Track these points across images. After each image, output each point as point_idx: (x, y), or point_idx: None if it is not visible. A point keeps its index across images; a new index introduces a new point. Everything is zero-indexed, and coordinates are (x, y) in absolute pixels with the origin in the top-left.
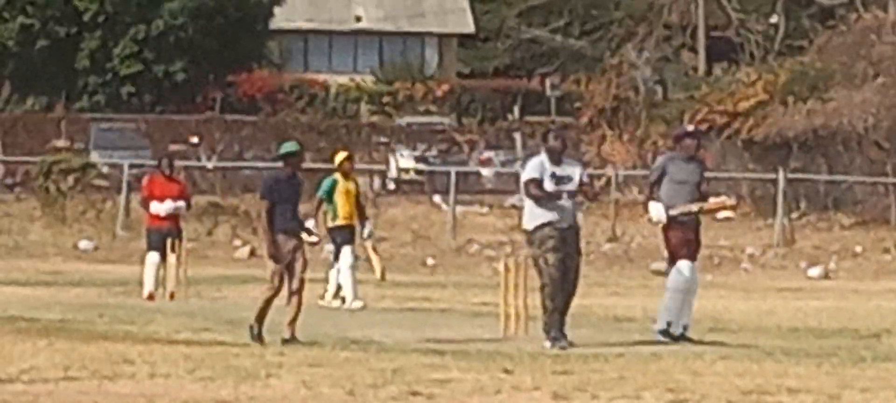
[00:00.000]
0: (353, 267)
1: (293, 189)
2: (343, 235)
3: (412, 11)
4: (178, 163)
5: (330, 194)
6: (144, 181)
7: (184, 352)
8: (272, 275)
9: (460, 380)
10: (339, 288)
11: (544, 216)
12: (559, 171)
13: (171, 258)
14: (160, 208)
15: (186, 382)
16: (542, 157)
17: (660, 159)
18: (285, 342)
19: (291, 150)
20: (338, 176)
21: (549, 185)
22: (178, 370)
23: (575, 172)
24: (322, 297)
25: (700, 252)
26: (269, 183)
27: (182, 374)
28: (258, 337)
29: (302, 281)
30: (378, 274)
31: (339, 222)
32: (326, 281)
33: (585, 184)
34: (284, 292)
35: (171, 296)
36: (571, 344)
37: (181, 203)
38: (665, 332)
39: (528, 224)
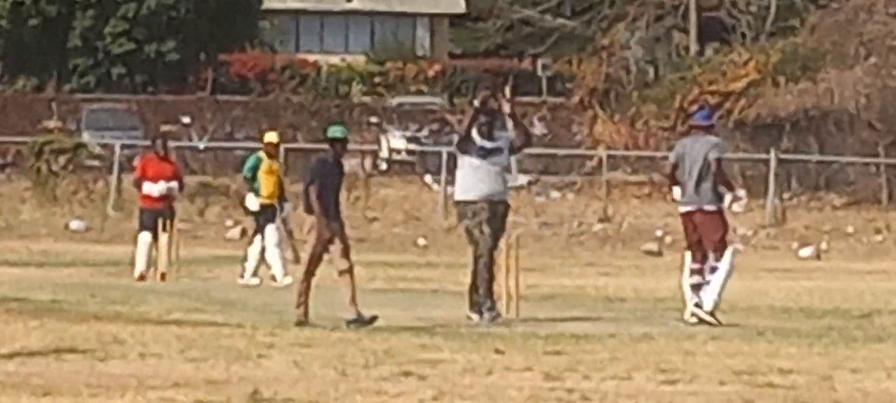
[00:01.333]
0: (279, 245)
1: (337, 173)
2: (266, 214)
3: None
4: (170, 143)
5: (254, 172)
6: (138, 161)
7: (175, 333)
8: (311, 258)
9: (452, 360)
10: (258, 265)
11: (476, 189)
12: (488, 144)
13: (163, 238)
14: (153, 189)
15: (178, 362)
16: (473, 131)
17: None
18: (351, 323)
19: (339, 135)
20: (262, 154)
21: (476, 161)
22: (169, 350)
23: (504, 141)
24: (241, 276)
25: None
26: (317, 166)
27: (173, 354)
28: (304, 321)
29: (350, 262)
30: (292, 257)
31: (262, 201)
32: (244, 259)
33: (514, 141)
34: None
35: (163, 277)
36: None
37: (174, 184)
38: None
39: (461, 195)
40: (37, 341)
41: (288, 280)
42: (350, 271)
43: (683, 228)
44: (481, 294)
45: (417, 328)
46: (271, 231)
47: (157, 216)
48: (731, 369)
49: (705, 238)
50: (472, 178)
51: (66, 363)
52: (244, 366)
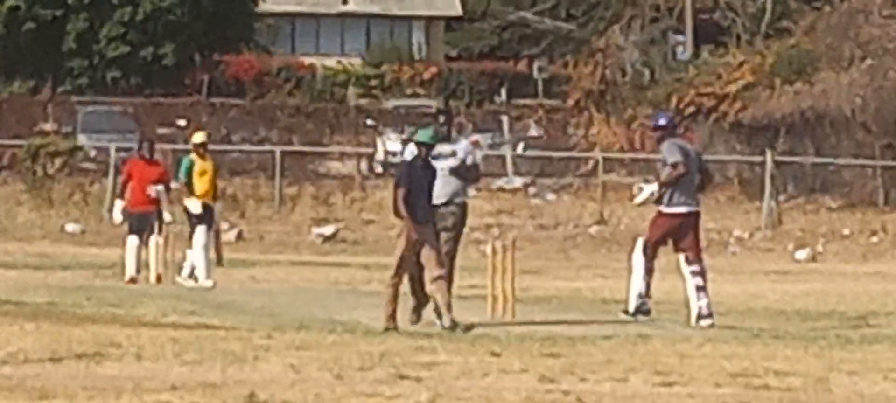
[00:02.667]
0: (206, 247)
1: (428, 176)
2: (199, 214)
3: None
4: (166, 146)
5: (189, 174)
6: (124, 164)
7: (171, 335)
8: (401, 262)
9: (448, 363)
10: (193, 267)
11: None
12: (439, 149)
13: (153, 240)
14: (118, 216)
15: (174, 365)
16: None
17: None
18: (452, 327)
19: (426, 140)
20: (194, 156)
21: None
22: (165, 353)
23: (458, 148)
24: (179, 274)
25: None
26: (405, 170)
27: (169, 357)
28: (393, 326)
29: (444, 268)
30: (215, 258)
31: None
32: (183, 259)
33: (468, 165)
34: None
35: (159, 279)
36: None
37: (161, 186)
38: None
39: None
40: (33, 344)
41: (209, 282)
42: (443, 278)
43: (668, 227)
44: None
45: (413, 331)
46: (201, 232)
47: (144, 219)
48: (727, 371)
49: (691, 239)
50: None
51: (61, 366)
52: (240, 369)
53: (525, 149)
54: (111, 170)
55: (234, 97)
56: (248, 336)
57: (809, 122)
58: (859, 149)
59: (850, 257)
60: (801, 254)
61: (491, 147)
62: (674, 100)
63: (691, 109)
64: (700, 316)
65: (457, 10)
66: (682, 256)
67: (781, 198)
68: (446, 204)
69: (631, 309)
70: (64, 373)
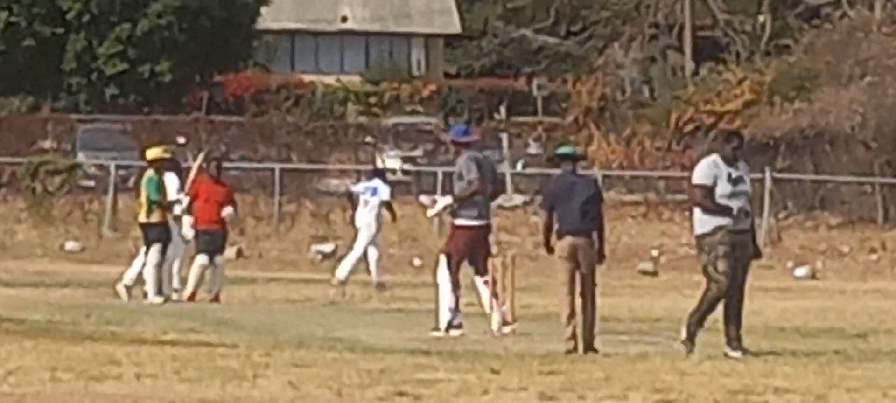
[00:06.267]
0: (159, 266)
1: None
2: (155, 232)
3: (398, 12)
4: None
5: (158, 191)
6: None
7: (171, 353)
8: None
9: (447, 380)
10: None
11: (717, 220)
12: (734, 172)
13: (217, 259)
14: (186, 228)
15: (173, 383)
16: (715, 158)
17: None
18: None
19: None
20: (153, 173)
21: (725, 187)
22: (165, 370)
23: (746, 174)
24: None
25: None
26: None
27: (169, 375)
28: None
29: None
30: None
31: (154, 219)
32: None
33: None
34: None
35: (216, 299)
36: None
37: (230, 209)
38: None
39: (699, 228)
40: (32, 362)
41: (158, 299)
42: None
43: (467, 239)
44: (690, 321)
45: (412, 348)
46: (155, 250)
47: (213, 238)
48: (727, 389)
49: (483, 252)
50: (707, 213)
51: (61, 383)
52: (239, 387)
53: (524, 166)
54: (110, 188)
55: (234, 115)
56: (248, 354)
57: (809, 140)
58: (859, 166)
59: (849, 274)
60: (801, 272)
61: None
62: (673, 117)
63: (691, 126)
64: (504, 322)
65: (456, 28)
66: (472, 270)
67: (781, 215)
68: (746, 230)
69: (442, 325)
70: (63, 391)
